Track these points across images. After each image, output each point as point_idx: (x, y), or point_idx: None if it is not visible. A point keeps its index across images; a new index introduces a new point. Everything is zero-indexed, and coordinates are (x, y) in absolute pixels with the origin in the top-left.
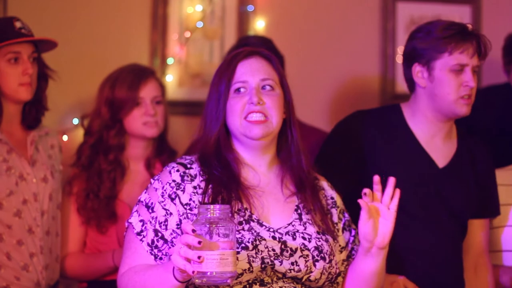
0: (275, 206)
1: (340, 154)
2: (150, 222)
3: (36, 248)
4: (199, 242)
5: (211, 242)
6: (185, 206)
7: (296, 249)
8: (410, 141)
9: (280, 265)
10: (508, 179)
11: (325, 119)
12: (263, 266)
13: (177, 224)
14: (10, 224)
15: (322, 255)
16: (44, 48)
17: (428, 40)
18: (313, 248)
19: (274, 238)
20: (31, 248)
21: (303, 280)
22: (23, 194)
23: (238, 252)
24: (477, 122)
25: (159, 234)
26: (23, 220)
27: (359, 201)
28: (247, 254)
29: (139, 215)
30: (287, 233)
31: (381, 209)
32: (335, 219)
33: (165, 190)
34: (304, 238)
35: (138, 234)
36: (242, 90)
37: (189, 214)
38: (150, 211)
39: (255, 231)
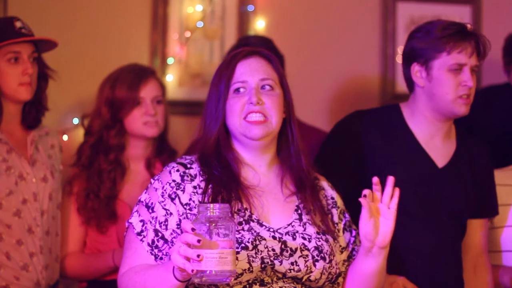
0: (275, 206)
1: (340, 154)
2: (150, 222)
3: (36, 248)
4: (199, 241)
5: (210, 241)
6: (185, 206)
7: (296, 249)
8: (409, 141)
9: (280, 265)
10: (508, 179)
11: (325, 119)
12: (263, 266)
13: (177, 224)
14: (10, 224)
15: (322, 255)
16: (44, 48)
17: (427, 40)
18: (313, 248)
19: (274, 238)
20: (31, 248)
21: (303, 280)
22: (22, 193)
23: (238, 252)
24: (477, 122)
25: (159, 234)
26: (22, 220)
27: (361, 199)
28: (247, 254)
29: (139, 215)
30: (287, 233)
31: (381, 208)
32: (336, 219)
33: (165, 190)
34: (304, 238)
35: (139, 234)
36: (241, 90)
37: (188, 214)
38: (150, 211)
39: (255, 231)
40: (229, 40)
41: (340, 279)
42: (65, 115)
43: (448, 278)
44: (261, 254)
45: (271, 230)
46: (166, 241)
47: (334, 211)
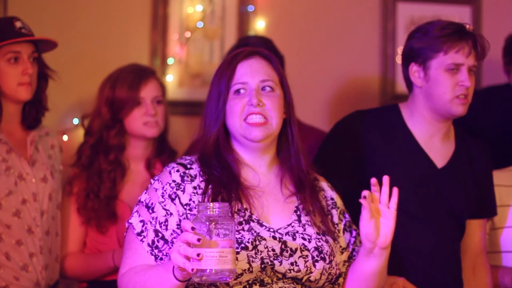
0: (275, 207)
1: (339, 154)
2: (151, 222)
3: (36, 248)
4: (199, 240)
5: (210, 240)
6: (185, 207)
7: (296, 249)
8: (409, 141)
9: (280, 265)
10: (508, 180)
11: (325, 119)
12: (262, 266)
13: (177, 224)
14: (9, 224)
15: (322, 255)
16: (44, 48)
17: (425, 40)
18: (313, 249)
19: (274, 238)
20: (31, 248)
21: (303, 280)
22: (22, 194)
23: (237, 252)
24: (477, 122)
25: (160, 235)
26: (22, 220)
27: (361, 200)
28: (247, 254)
29: (139, 215)
30: (287, 233)
31: (381, 209)
32: (336, 220)
33: (165, 191)
34: (304, 239)
35: (139, 234)
36: (242, 91)
37: (188, 215)
38: (150, 211)
39: (255, 231)
40: (229, 40)
41: (341, 280)
42: (65, 115)
43: (448, 278)
44: (261, 254)
45: (271, 230)
46: (166, 241)
47: (334, 211)
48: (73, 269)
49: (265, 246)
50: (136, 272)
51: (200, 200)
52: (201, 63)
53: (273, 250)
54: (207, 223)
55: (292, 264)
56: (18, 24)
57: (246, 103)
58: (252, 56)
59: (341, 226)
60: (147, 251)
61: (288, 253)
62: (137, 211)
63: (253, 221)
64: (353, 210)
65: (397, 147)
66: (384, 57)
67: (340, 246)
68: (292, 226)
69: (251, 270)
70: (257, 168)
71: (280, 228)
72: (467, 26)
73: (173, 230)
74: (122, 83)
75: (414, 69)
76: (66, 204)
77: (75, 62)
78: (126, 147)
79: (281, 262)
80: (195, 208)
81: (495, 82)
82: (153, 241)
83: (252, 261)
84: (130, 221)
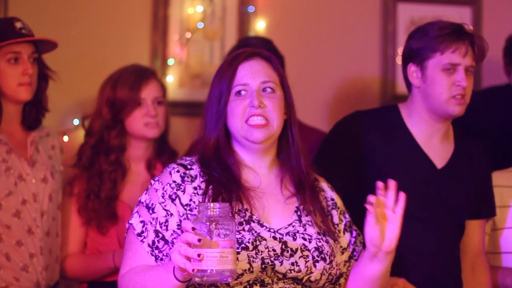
0: (275, 207)
1: (339, 154)
2: (151, 223)
3: (36, 248)
4: (199, 240)
5: (211, 240)
6: (186, 207)
7: (297, 249)
8: (408, 141)
9: (280, 265)
10: (508, 181)
11: (325, 120)
12: (263, 266)
13: (178, 225)
14: (9, 225)
15: (322, 255)
16: (45, 48)
17: (423, 40)
18: (313, 249)
19: (274, 238)
20: (31, 248)
21: (304, 280)
22: (22, 194)
23: (238, 252)
24: (477, 123)
25: (160, 235)
26: (22, 221)
27: (367, 205)
28: (247, 254)
29: (139, 216)
30: (287, 233)
31: (387, 213)
32: (336, 220)
33: (165, 191)
34: (304, 239)
35: (139, 235)
36: (243, 93)
37: (189, 215)
38: (151, 212)
39: (256, 232)
40: (229, 41)
41: (342, 280)
42: (65, 116)
43: (448, 278)
44: (261, 254)
45: (272, 230)
46: (166, 241)
47: (334, 212)
48: (74, 270)
49: (266, 246)
50: (136, 273)
51: (201, 201)
52: (201, 63)
53: (274, 250)
54: (208, 223)
55: (292, 264)
56: (18, 25)
57: (248, 105)
58: (253, 57)
59: (342, 227)
60: (148, 252)
61: (289, 253)
62: (137, 211)
63: (254, 222)
64: (353, 210)
65: (397, 148)
66: (385, 58)
67: (341, 247)
68: (293, 226)
69: (251, 270)
70: (258, 169)
71: (281, 228)
72: (466, 27)
73: (174, 231)
74: (123, 84)
75: (412, 69)
76: (67, 205)
77: (75, 62)
78: (126, 148)
79: (281, 262)
80: (195, 208)
81: (496, 83)
82: (153, 242)
83: (253, 261)
84: (130, 221)
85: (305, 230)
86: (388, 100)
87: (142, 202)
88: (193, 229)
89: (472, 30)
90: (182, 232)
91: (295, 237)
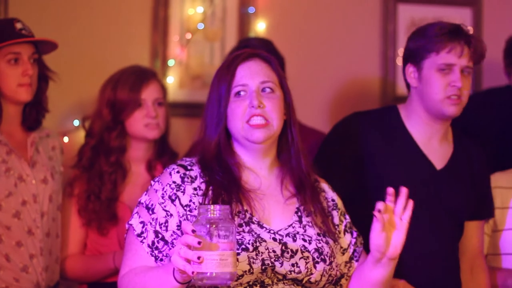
0: (275, 209)
1: (339, 155)
2: (151, 223)
3: (36, 249)
4: (199, 243)
5: (211, 243)
6: (185, 208)
7: (297, 250)
8: (408, 142)
9: (281, 266)
10: (508, 182)
11: (325, 121)
12: (263, 267)
13: (178, 225)
14: (9, 225)
15: (322, 257)
16: (45, 49)
17: (421, 40)
18: (313, 250)
19: (274, 239)
20: (31, 249)
21: (304, 282)
22: (22, 195)
23: (238, 254)
24: (478, 124)
25: (160, 236)
26: (22, 222)
27: (375, 213)
28: (248, 255)
29: (139, 216)
30: (287, 234)
31: (394, 220)
32: (336, 221)
33: (165, 192)
34: (304, 240)
35: (139, 235)
36: (242, 93)
37: (188, 216)
38: (151, 212)
39: (256, 233)
40: (229, 42)
41: (343, 281)
42: (65, 116)
43: (448, 278)
44: (261, 255)
45: (272, 232)
46: (166, 242)
47: (335, 213)
48: (74, 270)
49: (266, 248)
50: (136, 274)
51: (201, 202)
52: (201, 64)
53: (274, 251)
54: (208, 225)
55: (293, 265)
56: (18, 25)
57: (247, 105)
58: (251, 58)
59: (342, 227)
60: (147, 252)
61: (289, 254)
62: (137, 212)
63: (253, 223)
64: (353, 211)
65: (396, 149)
66: (385, 59)
67: (341, 247)
68: (293, 227)
69: (251, 271)
70: (258, 170)
71: (281, 229)
72: (463, 27)
73: (173, 231)
74: (123, 85)
75: (410, 70)
76: (67, 206)
77: (75, 63)
78: (127, 149)
79: (282, 264)
80: (195, 209)
81: (496, 84)
82: (153, 242)
83: (253, 263)
84: (130, 222)
85: (305, 231)
86: (388, 101)
87: (142, 203)
88: (193, 231)
89: (468, 31)
90: (182, 233)
91: (295, 238)
